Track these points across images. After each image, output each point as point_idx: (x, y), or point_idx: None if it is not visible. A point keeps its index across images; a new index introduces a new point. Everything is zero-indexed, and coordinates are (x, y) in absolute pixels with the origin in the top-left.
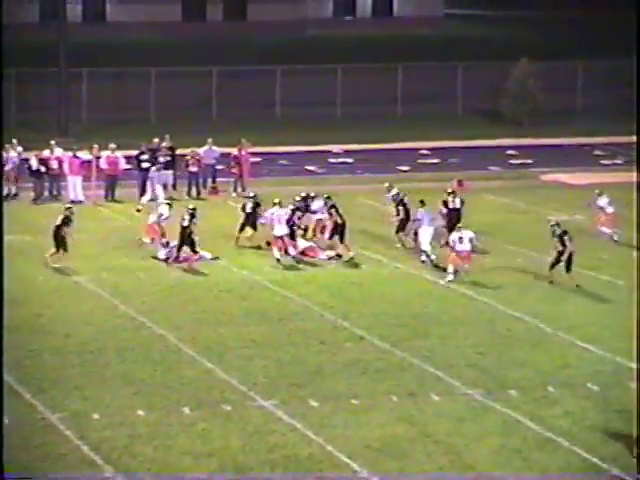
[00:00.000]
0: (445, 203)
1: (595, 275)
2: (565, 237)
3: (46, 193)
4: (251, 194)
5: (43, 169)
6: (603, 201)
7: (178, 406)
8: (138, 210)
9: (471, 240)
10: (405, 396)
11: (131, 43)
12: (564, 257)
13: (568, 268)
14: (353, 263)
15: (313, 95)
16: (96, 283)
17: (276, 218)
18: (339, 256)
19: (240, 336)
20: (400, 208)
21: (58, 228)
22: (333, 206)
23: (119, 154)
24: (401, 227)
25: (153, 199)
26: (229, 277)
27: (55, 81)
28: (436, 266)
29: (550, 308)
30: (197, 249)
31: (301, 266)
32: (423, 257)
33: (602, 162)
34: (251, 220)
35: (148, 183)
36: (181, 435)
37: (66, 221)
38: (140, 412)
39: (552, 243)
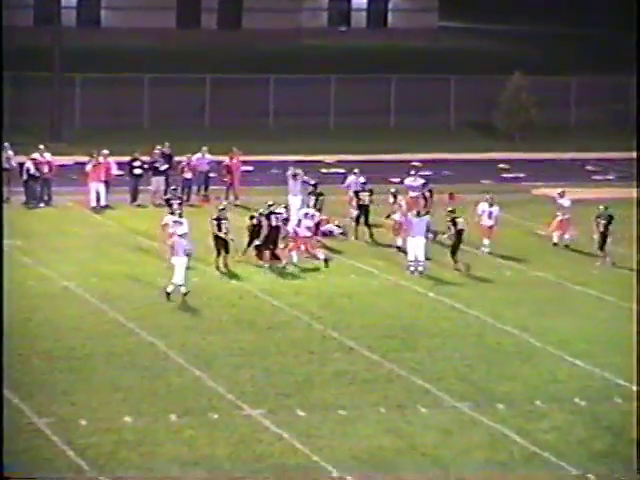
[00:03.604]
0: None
1: (585, 290)
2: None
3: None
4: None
5: (38, 173)
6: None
7: (165, 413)
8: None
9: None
10: (393, 408)
11: (125, 49)
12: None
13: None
14: (344, 274)
15: (306, 105)
16: (85, 289)
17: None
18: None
19: (229, 344)
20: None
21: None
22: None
23: (111, 160)
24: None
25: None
26: (219, 285)
27: (49, 86)
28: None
29: (540, 322)
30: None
31: (291, 276)
32: (412, 267)
33: (594, 177)
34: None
35: None
36: (168, 442)
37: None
38: (127, 418)
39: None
